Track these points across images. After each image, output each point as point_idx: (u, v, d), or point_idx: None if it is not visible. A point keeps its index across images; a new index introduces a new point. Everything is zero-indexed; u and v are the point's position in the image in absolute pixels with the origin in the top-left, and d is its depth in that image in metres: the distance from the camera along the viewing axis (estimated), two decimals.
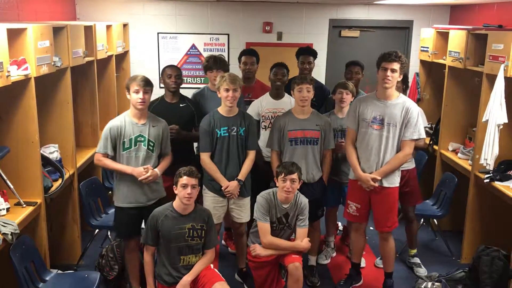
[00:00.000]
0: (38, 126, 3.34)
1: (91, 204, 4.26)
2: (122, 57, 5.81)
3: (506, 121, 3.73)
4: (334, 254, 4.50)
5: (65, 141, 3.99)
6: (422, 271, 4.20)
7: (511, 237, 3.90)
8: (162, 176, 3.59)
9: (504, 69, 3.64)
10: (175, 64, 5.89)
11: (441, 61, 5.09)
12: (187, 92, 4.37)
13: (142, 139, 3.45)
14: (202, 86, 4.58)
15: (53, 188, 3.61)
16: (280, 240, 3.54)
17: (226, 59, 5.96)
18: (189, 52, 6.19)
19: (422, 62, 5.74)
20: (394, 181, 3.60)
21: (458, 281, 3.76)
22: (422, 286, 3.83)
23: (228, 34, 6.15)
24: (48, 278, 3.32)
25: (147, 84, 3.40)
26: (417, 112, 3.50)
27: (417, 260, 4.31)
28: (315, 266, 4.11)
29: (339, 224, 4.81)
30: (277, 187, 3.50)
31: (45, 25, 3.37)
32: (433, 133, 5.20)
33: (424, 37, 5.57)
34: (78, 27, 4.11)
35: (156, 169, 3.48)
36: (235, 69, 4.76)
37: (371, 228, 3.83)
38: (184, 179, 3.16)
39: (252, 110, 4.17)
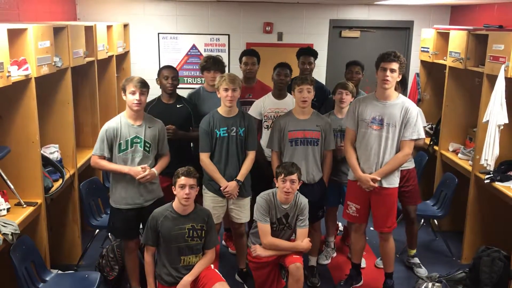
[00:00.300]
0: (39, 126, 3.34)
1: (92, 204, 4.27)
2: (122, 58, 5.81)
3: (507, 121, 3.74)
4: (335, 255, 4.49)
5: (65, 141, 3.99)
6: (422, 271, 4.20)
7: None
8: (160, 177, 3.58)
9: (504, 70, 3.64)
10: (176, 64, 5.91)
11: (441, 61, 5.09)
12: (183, 92, 4.36)
13: (138, 140, 3.43)
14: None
15: (53, 188, 3.61)
16: (281, 241, 3.55)
17: (227, 59, 6.00)
18: (189, 53, 6.19)
19: (423, 63, 5.73)
20: (394, 182, 3.60)
21: (458, 282, 3.76)
22: (423, 287, 3.83)
23: (228, 35, 6.15)
24: (48, 278, 3.32)
25: (143, 86, 3.38)
26: (416, 112, 3.51)
27: (416, 260, 4.31)
28: (315, 267, 4.11)
29: (340, 224, 4.81)
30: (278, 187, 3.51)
31: (45, 25, 3.37)
32: (434, 134, 5.20)
33: (424, 38, 5.57)
34: (79, 27, 4.11)
35: (153, 169, 3.47)
36: (236, 69, 4.76)
37: (371, 228, 3.83)
38: (182, 180, 3.16)
39: (255, 110, 4.17)
